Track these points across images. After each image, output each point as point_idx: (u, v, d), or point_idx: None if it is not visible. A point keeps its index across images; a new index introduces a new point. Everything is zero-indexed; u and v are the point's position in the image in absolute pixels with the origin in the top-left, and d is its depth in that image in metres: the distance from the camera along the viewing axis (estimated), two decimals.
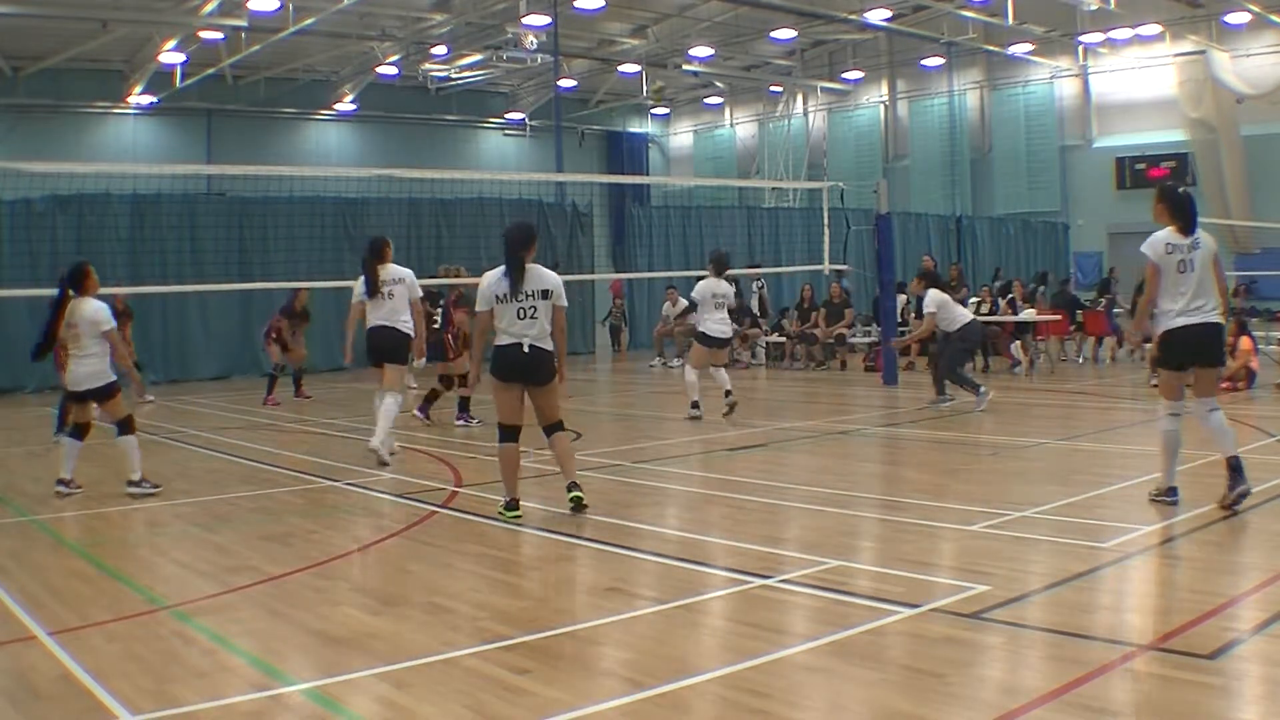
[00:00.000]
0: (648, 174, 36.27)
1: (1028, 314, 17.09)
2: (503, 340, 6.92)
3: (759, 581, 5.33)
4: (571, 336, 23.09)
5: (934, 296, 12.45)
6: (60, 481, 8.23)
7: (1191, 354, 6.59)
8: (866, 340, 19.56)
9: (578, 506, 6.98)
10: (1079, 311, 18.59)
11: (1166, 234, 6.60)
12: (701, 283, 12.15)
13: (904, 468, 9.15)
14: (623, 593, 5.33)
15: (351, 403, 14.74)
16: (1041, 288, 19.72)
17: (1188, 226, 6.58)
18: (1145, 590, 5.23)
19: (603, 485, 8.26)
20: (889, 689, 3.94)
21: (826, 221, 15.83)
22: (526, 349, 6.86)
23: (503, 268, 6.97)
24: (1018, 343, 16.86)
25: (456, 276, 13.17)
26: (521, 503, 7.07)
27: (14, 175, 14.84)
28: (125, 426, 8.12)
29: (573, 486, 7.05)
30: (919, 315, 18.70)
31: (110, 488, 8.70)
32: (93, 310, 7.99)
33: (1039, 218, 29.87)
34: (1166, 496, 6.71)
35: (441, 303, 12.59)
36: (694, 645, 4.54)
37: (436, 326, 12.32)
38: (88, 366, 7.98)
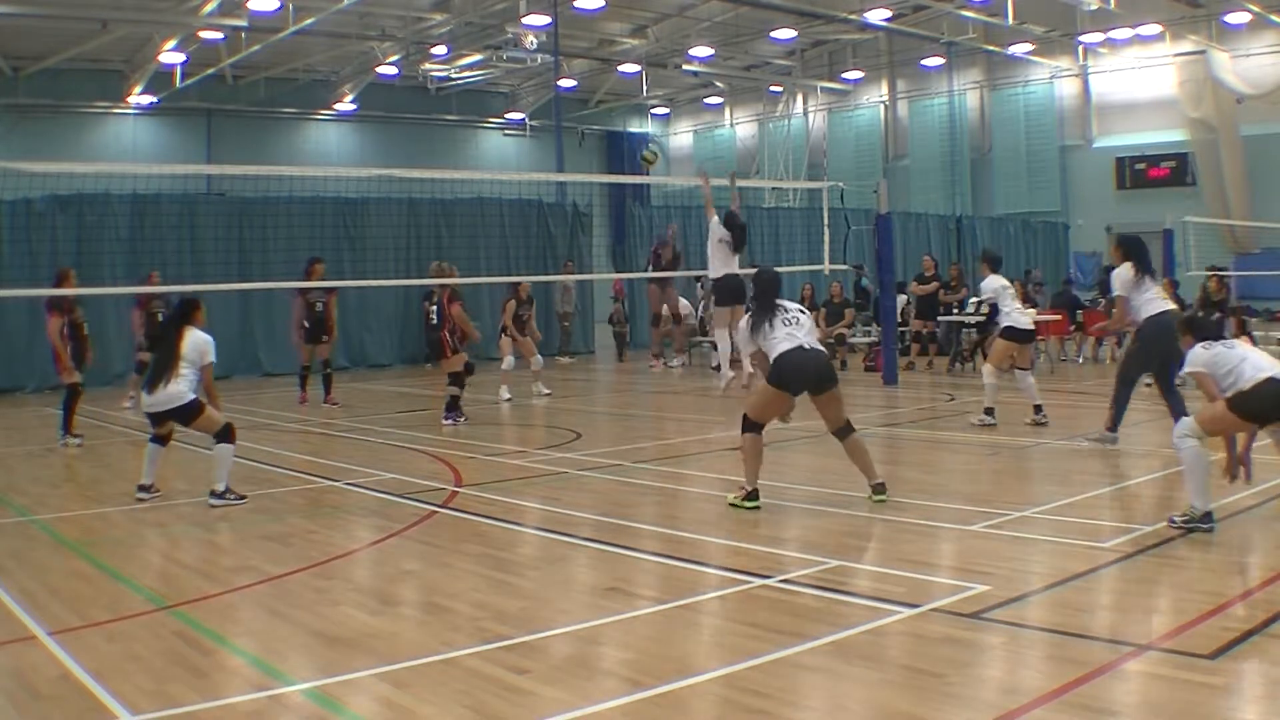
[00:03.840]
0: (648, 174, 36.24)
1: (1028, 314, 17.07)
2: (784, 345, 7.01)
3: (759, 581, 5.33)
4: (574, 337, 23.18)
5: (1121, 274, 9.01)
6: (141, 487, 7.94)
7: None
8: (866, 340, 19.57)
9: (882, 499, 7.13)
10: (1079, 311, 18.60)
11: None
12: (989, 280, 11.42)
13: (904, 468, 9.14)
14: (623, 593, 5.33)
15: (351, 404, 14.73)
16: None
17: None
18: (1145, 590, 5.22)
19: (603, 485, 8.27)
20: (889, 689, 3.94)
21: (826, 221, 15.81)
22: (807, 346, 7.01)
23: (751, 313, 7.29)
24: None
25: (449, 275, 13.09)
26: (525, 504, 7.05)
27: (14, 175, 14.82)
28: (224, 435, 7.77)
29: (879, 488, 7.13)
30: (920, 315, 18.80)
31: (110, 488, 8.70)
32: (201, 341, 7.86)
33: (1039, 218, 29.86)
34: (1202, 523, 5.99)
35: (436, 301, 12.30)
36: (694, 645, 4.53)
37: (434, 324, 12.21)
38: (170, 390, 7.72)
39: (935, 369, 17.79)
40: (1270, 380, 6.00)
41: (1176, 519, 6.07)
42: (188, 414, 7.79)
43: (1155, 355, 8.80)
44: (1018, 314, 11.10)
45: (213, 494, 7.73)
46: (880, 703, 3.83)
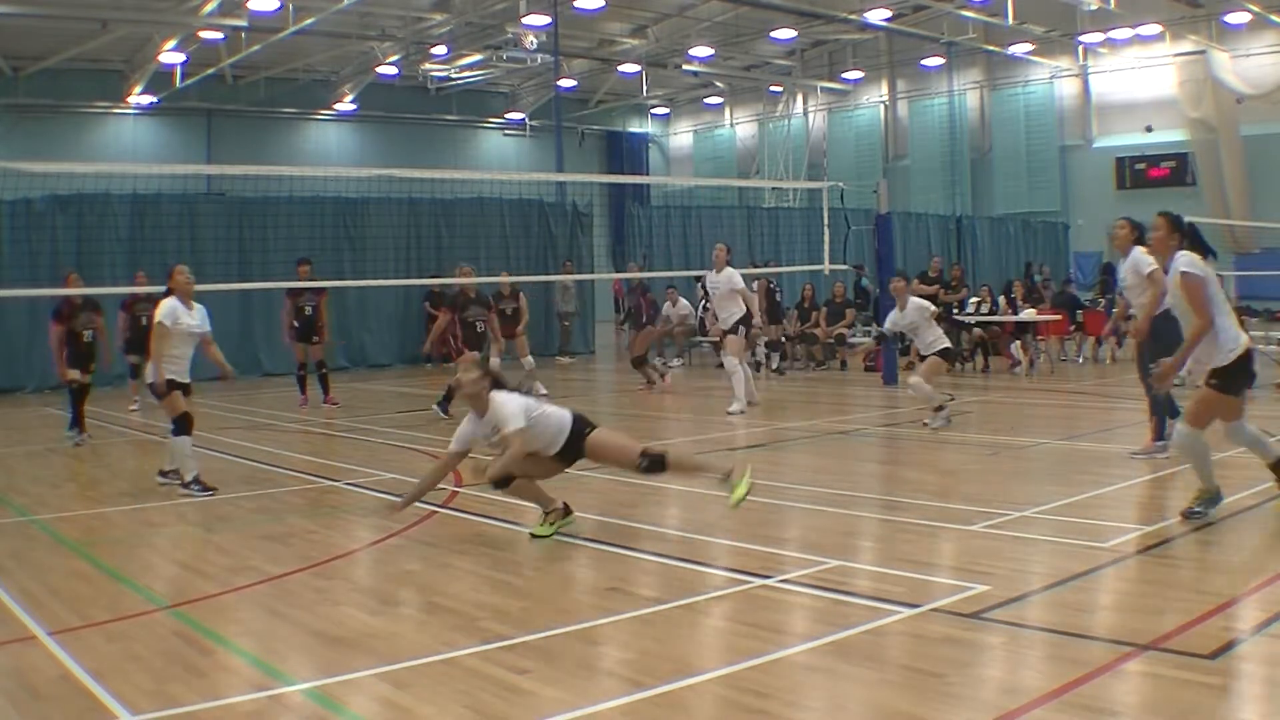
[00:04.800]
0: (648, 174, 36.28)
1: (1028, 314, 17.09)
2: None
3: (759, 581, 5.33)
4: (574, 337, 23.18)
5: (1143, 252, 8.42)
6: (161, 473, 8.38)
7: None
8: (866, 340, 19.55)
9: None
10: (1079, 311, 18.59)
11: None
12: (917, 302, 11.21)
13: (904, 468, 9.15)
14: (623, 593, 5.33)
15: (351, 404, 14.73)
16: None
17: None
18: (1145, 590, 5.22)
19: (603, 485, 8.27)
20: (889, 689, 3.94)
21: (826, 221, 15.81)
22: None
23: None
24: (1017, 343, 16.86)
25: (459, 276, 13.21)
26: (525, 505, 7.02)
27: (14, 175, 14.83)
28: (178, 426, 8.02)
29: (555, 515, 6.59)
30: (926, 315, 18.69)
31: (110, 488, 8.71)
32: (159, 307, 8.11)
33: (1039, 218, 29.86)
34: (1215, 501, 6.17)
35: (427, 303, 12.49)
36: (694, 645, 4.53)
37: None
38: (149, 368, 8.25)
39: None
40: (1249, 353, 6.19)
41: (1194, 509, 6.16)
42: (156, 393, 8.16)
43: (1162, 352, 8.27)
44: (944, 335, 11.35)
45: (181, 482, 8.11)
46: (880, 703, 3.83)
